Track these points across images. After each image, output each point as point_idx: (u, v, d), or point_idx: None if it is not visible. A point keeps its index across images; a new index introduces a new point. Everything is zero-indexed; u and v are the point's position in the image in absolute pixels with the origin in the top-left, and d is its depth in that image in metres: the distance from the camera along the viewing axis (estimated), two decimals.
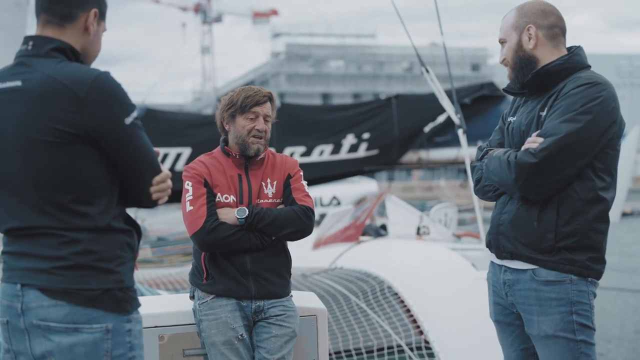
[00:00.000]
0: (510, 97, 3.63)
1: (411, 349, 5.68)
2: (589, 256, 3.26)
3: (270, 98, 3.85)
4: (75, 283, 2.56)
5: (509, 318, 3.47)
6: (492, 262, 3.54)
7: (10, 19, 9.73)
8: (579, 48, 3.44)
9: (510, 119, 3.49)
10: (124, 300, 2.65)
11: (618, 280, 14.83)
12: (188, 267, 10.29)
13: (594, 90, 3.21)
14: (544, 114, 3.29)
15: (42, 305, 2.56)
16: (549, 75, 3.34)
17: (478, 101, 12.39)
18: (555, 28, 3.39)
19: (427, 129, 12.47)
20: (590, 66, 3.42)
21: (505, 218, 3.38)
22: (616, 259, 16.64)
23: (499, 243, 3.41)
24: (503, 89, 3.62)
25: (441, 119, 12.22)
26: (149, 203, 2.75)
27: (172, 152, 11.57)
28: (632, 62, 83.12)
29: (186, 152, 11.60)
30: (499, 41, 3.51)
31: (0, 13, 9.64)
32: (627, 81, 77.26)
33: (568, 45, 3.46)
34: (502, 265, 3.43)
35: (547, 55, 3.37)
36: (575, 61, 3.36)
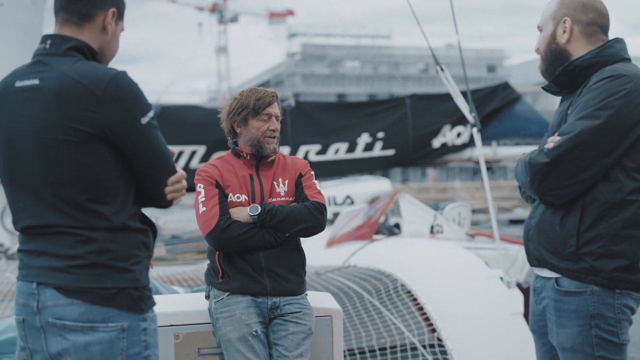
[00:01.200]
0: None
1: (424, 347, 5.67)
2: (617, 265, 3.05)
3: (276, 97, 3.91)
4: (91, 282, 2.59)
5: (542, 329, 3.33)
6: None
7: (27, 17, 9.81)
8: (615, 40, 3.25)
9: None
10: (139, 299, 2.67)
11: None
12: (201, 265, 10.36)
13: (617, 84, 3.03)
14: (570, 112, 3.15)
15: (58, 303, 2.58)
16: (578, 71, 3.19)
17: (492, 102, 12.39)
18: (594, 25, 3.23)
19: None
20: (628, 58, 3.20)
21: (533, 223, 3.27)
22: None
23: (529, 249, 3.29)
24: (542, 87, 3.45)
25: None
26: (164, 203, 2.78)
27: (187, 149, 11.62)
28: None
29: (201, 149, 11.64)
30: (537, 27, 3.36)
31: (17, 11, 9.72)
32: None
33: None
34: (535, 273, 3.33)
35: (579, 52, 3.22)
36: (607, 54, 3.18)
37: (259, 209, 3.72)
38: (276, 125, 3.86)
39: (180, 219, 17.42)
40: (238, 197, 3.78)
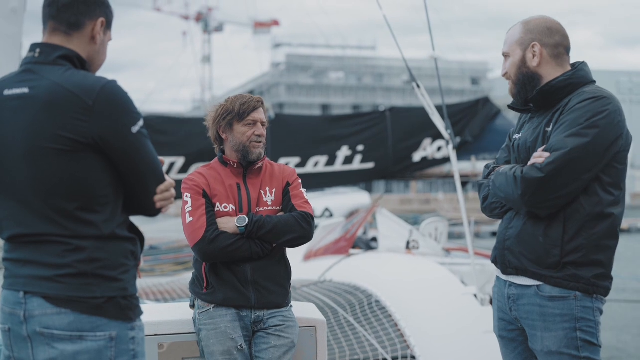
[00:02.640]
0: (508, 113, 3.62)
1: None
2: (595, 273, 3.22)
3: (262, 103, 3.89)
4: (80, 291, 2.56)
5: (512, 334, 3.45)
6: (497, 277, 3.52)
7: (7, 26, 9.75)
8: (583, 64, 3.43)
9: (516, 136, 3.48)
10: (127, 308, 2.65)
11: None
12: (179, 277, 10.27)
13: (600, 104, 3.19)
14: (549, 129, 3.28)
15: (46, 313, 2.56)
16: (553, 91, 3.33)
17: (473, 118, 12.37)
18: (560, 47, 3.39)
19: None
20: (595, 81, 3.40)
21: (512, 233, 3.36)
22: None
23: (505, 258, 3.38)
24: (508, 106, 3.60)
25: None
26: (153, 211, 2.77)
27: (166, 161, 11.57)
28: (632, 78, 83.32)
29: (180, 161, 11.60)
30: (503, 54, 3.51)
31: None
32: (627, 97, 77.44)
33: (572, 61, 3.45)
34: (507, 281, 3.41)
35: (550, 73, 3.36)
36: (579, 76, 3.35)
37: (247, 220, 3.70)
38: (262, 130, 3.83)
39: (158, 229, 17.35)
40: (225, 207, 3.76)
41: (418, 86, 6.57)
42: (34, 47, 2.71)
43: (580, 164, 3.15)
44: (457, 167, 6.86)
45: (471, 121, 12.42)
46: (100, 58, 2.80)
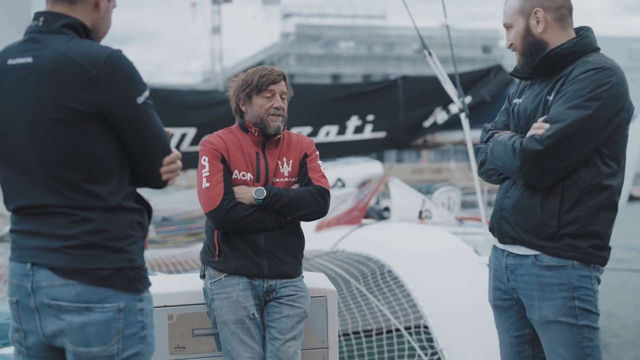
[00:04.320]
0: (518, 81, 3.58)
1: (410, 333, 5.66)
2: (592, 243, 3.22)
3: (284, 77, 3.85)
4: (86, 262, 2.56)
5: (507, 303, 3.45)
6: (494, 246, 3.52)
7: None
8: (588, 30, 3.36)
9: (516, 100, 3.44)
10: (135, 280, 2.65)
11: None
12: (192, 248, 10.29)
13: (603, 75, 3.15)
14: (551, 98, 3.24)
15: (53, 284, 2.55)
16: (557, 58, 3.28)
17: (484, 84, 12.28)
18: (563, 9, 3.32)
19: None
20: (599, 48, 3.34)
21: (508, 203, 3.35)
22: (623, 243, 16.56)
23: (502, 228, 3.38)
24: (510, 73, 3.56)
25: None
26: (159, 183, 2.75)
27: (177, 132, 11.55)
28: None
29: (191, 132, 11.58)
30: (504, 25, 3.44)
31: None
32: (639, 64, 76.85)
33: (577, 25, 3.39)
34: (505, 250, 3.41)
35: (556, 38, 3.30)
36: (584, 44, 3.29)
37: (265, 193, 3.68)
38: (280, 103, 3.78)
39: (170, 200, 17.41)
40: (243, 175, 3.73)
41: (430, 54, 6.50)
42: (37, 15, 2.67)
43: (581, 137, 3.12)
44: (470, 135, 6.80)
45: (483, 88, 12.33)
46: (104, 26, 2.77)
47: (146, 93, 2.63)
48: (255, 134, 3.78)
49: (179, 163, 2.77)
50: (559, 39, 3.30)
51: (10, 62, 2.61)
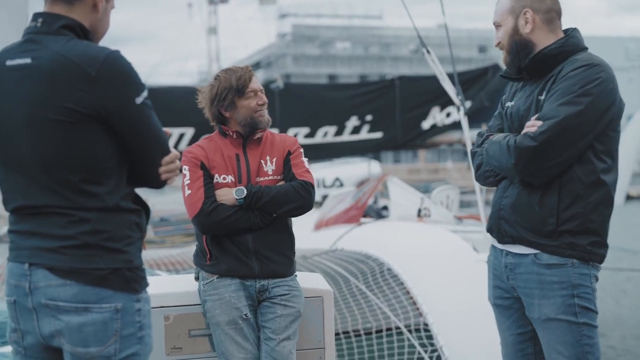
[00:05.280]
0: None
1: (410, 331, 5.67)
2: (591, 240, 3.24)
3: (252, 71, 3.87)
4: (84, 262, 2.56)
5: (508, 302, 3.47)
6: (493, 246, 3.53)
7: None
8: (575, 30, 3.42)
9: (509, 103, 3.48)
10: (132, 280, 2.64)
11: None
12: (189, 248, 10.29)
13: (592, 72, 3.20)
14: (542, 97, 3.29)
15: (51, 284, 2.55)
16: (546, 59, 3.33)
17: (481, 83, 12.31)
18: (552, 12, 3.38)
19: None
20: (587, 48, 3.40)
21: (506, 202, 3.38)
22: (620, 242, 16.58)
23: (500, 228, 3.40)
24: (500, 75, 3.63)
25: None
26: (158, 183, 2.75)
27: (175, 132, 11.56)
28: None
29: (189, 132, 11.58)
30: (494, 24, 3.50)
31: None
32: (636, 64, 76.85)
33: (571, 25, 3.44)
34: (504, 250, 3.42)
35: (543, 39, 3.36)
36: (572, 44, 3.35)
37: (245, 192, 3.68)
38: (264, 98, 3.82)
39: (168, 201, 17.40)
40: (224, 178, 3.74)
41: (428, 52, 6.50)
42: (36, 16, 2.67)
43: (573, 132, 3.16)
44: (469, 133, 6.80)
45: (482, 90, 12.36)
46: (103, 27, 2.77)
47: (145, 93, 2.63)
48: (234, 136, 3.79)
49: (178, 163, 2.78)
50: (545, 40, 3.35)
51: (9, 63, 2.61)
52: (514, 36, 3.39)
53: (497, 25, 3.47)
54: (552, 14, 3.38)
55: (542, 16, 3.36)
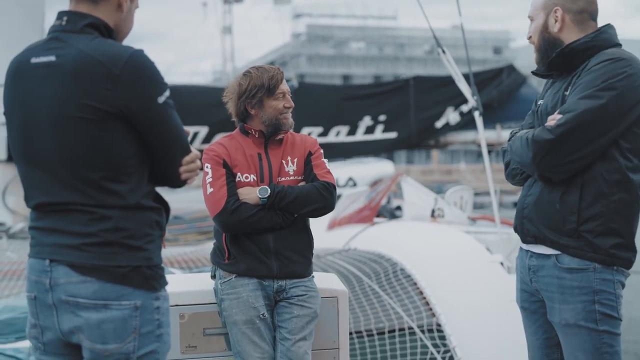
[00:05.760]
0: (532, 81, 3.57)
1: (423, 331, 5.66)
2: (614, 243, 3.15)
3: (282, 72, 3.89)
4: (104, 260, 2.58)
5: (534, 305, 3.41)
6: (520, 247, 3.49)
7: None
8: (607, 26, 3.33)
9: (540, 102, 3.43)
10: (152, 278, 2.66)
11: None
12: (203, 246, 10.32)
13: (618, 66, 3.11)
14: (567, 93, 3.22)
15: (71, 281, 2.57)
16: (574, 53, 3.26)
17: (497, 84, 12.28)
18: (584, 13, 3.31)
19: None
20: (619, 44, 3.30)
21: (530, 201, 3.32)
22: None
23: (524, 227, 3.35)
24: (532, 72, 3.55)
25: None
26: (178, 182, 2.77)
27: (190, 131, 11.57)
28: None
29: (203, 130, 11.59)
30: (528, 17, 3.45)
31: None
32: None
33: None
34: (528, 251, 3.38)
35: (572, 39, 3.29)
36: (602, 39, 3.27)
37: (269, 191, 3.68)
38: (291, 102, 3.82)
39: (182, 199, 17.39)
40: (246, 177, 3.74)
41: (444, 52, 6.49)
42: (61, 14, 2.69)
43: (593, 126, 3.08)
44: (483, 133, 6.79)
45: (496, 89, 12.33)
46: (127, 26, 2.79)
47: (167, 93, 2.65)
48: (257, 136, 3.79)
49: (198, 162, 2.79)
50: (574, 39, 3.29)
51: (34, 60, 2.63)
52: (543, 33, 3.35)
53: (531, 19, 3.43)
54: (584, 15, 3.31)
55: (573, 16, 3.29)
